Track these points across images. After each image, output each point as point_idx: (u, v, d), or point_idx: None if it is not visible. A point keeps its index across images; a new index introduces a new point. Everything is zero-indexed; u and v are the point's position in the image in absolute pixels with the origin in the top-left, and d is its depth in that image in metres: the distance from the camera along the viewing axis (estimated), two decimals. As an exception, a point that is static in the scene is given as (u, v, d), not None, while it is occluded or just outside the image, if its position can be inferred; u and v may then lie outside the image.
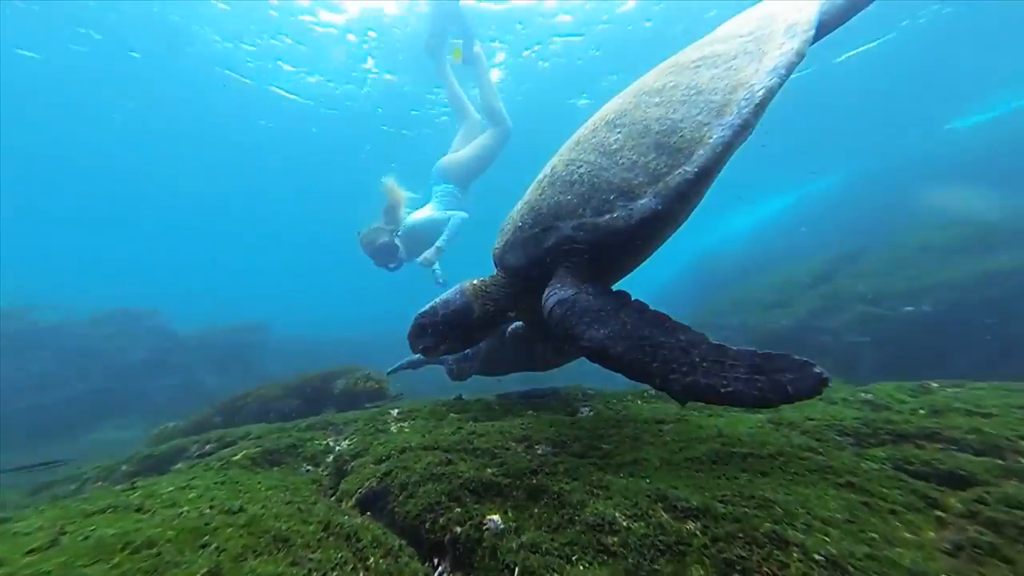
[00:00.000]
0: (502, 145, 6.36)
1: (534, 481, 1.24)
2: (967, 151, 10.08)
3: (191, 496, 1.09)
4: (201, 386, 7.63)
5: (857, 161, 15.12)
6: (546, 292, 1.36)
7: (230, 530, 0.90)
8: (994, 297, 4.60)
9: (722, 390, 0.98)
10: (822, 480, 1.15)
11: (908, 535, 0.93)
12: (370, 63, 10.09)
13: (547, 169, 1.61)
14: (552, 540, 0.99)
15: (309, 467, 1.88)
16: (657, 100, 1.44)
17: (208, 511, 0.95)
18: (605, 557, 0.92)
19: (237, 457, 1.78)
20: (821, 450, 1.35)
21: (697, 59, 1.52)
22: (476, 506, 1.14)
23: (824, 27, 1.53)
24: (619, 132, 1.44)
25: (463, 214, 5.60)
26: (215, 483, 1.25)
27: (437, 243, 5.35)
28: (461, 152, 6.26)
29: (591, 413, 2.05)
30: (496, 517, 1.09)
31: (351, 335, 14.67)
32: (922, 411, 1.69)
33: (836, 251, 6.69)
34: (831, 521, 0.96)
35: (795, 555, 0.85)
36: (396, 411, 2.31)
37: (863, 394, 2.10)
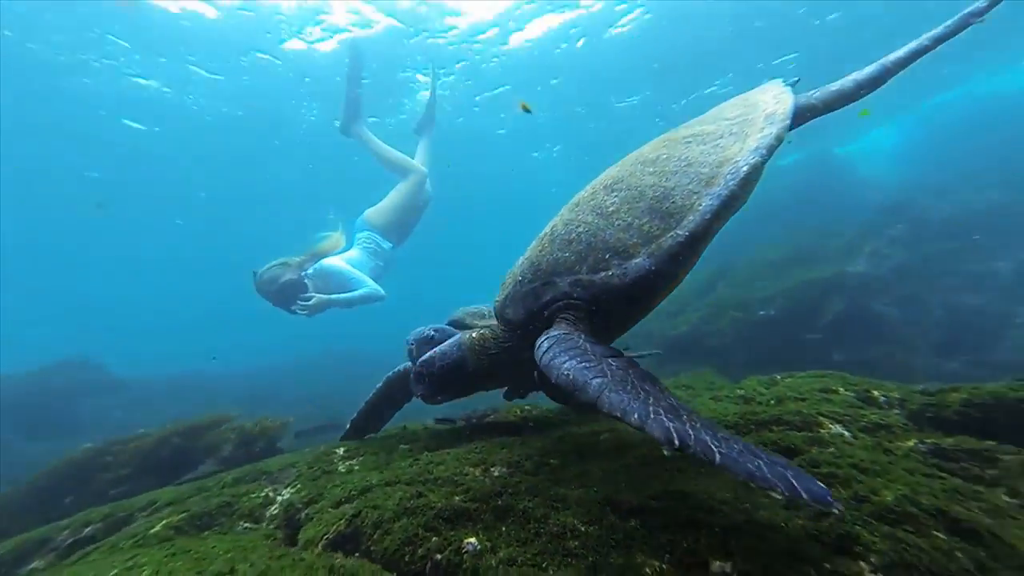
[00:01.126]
0: (421, 188, 6.40)
1: (499, 502, 1.40)
2: (785, 187, 12.85)
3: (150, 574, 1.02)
4: (11, 455, 5.96)
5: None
6: (540, 337, 1.39)
7: None
8: (810, 299, 6.09)
9: (715, 448, 0.90)
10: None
11: (763, 499, 1.31)
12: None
13: (548, 228, 1.71)
14: (524, 552, 1.17)
15: (247, 524, 1.76)
16: (652, 169, 1.57)
17: None
18: (570, 559, 1.12)
19: (156, 529, 1.58)
20: (714, 445, 1.75)
21: (688, 136, 1.68)
22: (452, 533, 1.27)
23: (812, 111, 1.75)
24: (616, 196, 1.54)
25: (381, 295, 5.37)
26: (165, 556, 1.16)
27: (331, 298, 5.08)
28: (383, 202, 6.25)
29: (534, 428, 2.28)
30: (473, 540, 1.23)
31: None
32: (772, 401, 2.23)
33: (716, 265, 8.04)
34: (725, 501, 1.30)
35: (703, 532, 1.15)
36: (342, 449, 2.27)
37: (739, 390, 2.66)
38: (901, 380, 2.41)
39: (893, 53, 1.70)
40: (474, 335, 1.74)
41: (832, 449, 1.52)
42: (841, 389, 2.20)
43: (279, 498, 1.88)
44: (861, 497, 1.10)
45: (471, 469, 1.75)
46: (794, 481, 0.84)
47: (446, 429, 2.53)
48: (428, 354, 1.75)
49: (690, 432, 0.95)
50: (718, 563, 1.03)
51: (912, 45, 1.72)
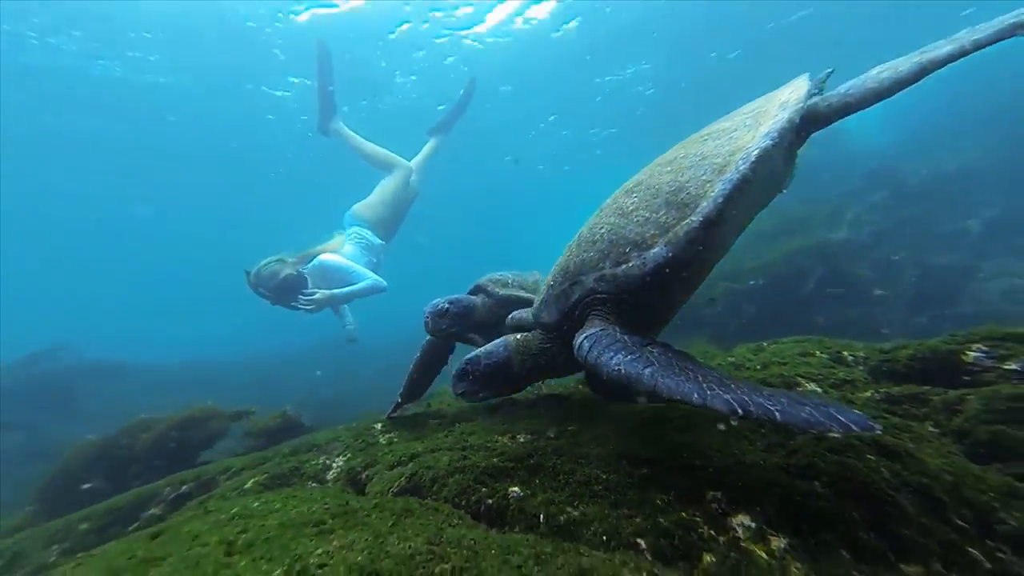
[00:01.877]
0: (407, 182, 6.44)
1: (531, 462, 1.68)
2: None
3: (283, 507, 1.28)
4: (48, 439, 6.28)
5: None
6: (576, 336, 1.47)
7: (377, 514, 1.15)
8: (796, 267, 6.44)
9: (772, 407, 0.96)
10: (710, 425, 1.83)
11: (748, 447, 1.61)
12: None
13: (576, 235, 1.81)
14: (558, 496, 1.46)
15: (315, 484, 2.06)
16: (668, 168, 1.63)
17: (323, 510, 1.18)
18: (596, 499, 1.42)
19: (248, 485, 1.89)
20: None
21: (704, 135, 1.74)
22: (497, 484, 1.55)
23: (846, 108, 1.62)
24: (635, 196, 1.62)
25: (383, 286, 5.44)
26: (282, 497, 1.42)
27: (336, 292, 5.17)
28: (372, 196, 6.25)
29: (548, 400, 2.58)
30: (516, 489, 1.52)
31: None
32: (759, 366, 2.54)
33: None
34: (716, 449, 1.61)
35: (699, 472, 1.45)
36: (379, 425, 2.55)
37: (730, 358, 2.97)
38: (876, 338, 2.73)
39: (931, 52, 1.55)
40: (519, 337, 1.81)
41: (804, 402, 1.83)
42: (818, 352, 2.52)
43: (334, 464, 2.18)
44: (820, 437, 1.40)
45: (499, 437, 2.04)
46: (840, 416, 0.91)
47: (469, 404, 2.82)
48: (474, 353, 1.82)
49: (746, 399, 1.01)
50: (711, 493, 1.34)
51: (952, 48, 1.54)
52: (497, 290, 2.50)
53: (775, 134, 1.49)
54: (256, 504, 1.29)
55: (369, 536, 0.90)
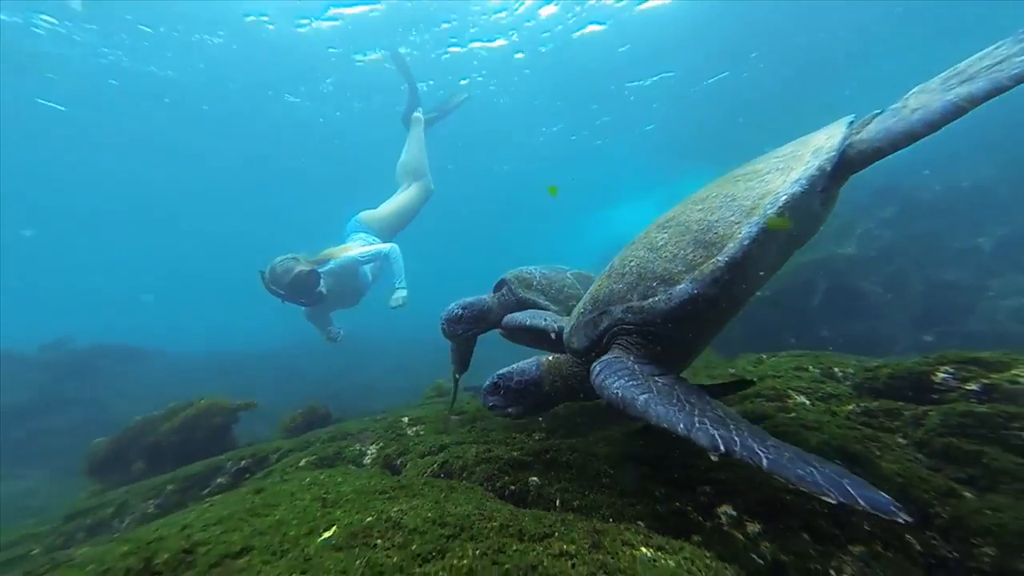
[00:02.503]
0: (425, 201, 6.78)
1: (547, 456, 1.94)
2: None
3: (345, 481, 1.57)
4: (109, 416, 6.84)
5: (727, 162, 18.65)
6: (595, 362, 1.54)
7: (428, 488, 1.42)
8: (803, 279, 6.58)
9: (762, 453, 0.97)
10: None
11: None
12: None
13: (608, 267, 1.90)
14: (571, 485, 1.72)
15: (353, 467, 2.35)
16: (699, 207, 1.68)
17: (382, 483, 1.46)
18: (604, 488, 1.67)
19: (302, 463, 2.19)
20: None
21: (738, 175, 1.78)
22: (519, 474, 1.81)
23: (879, 154, 1.55)
24: (665, 232, 1.68)
25: (395, 250, 5.62)
26: (335, 472, 1.71)
27: (397, 283, 5.40)
28: (385, 206, 6.48)
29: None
30: (535, 478, 1.78)
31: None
32: (756, 378, 2.78)
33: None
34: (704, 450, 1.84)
35: (693, 467, 1.69)
36: (406, 419, 2.84)
37: (730, 369, 3.20)
38: (882, 353, 2.91)
39: (965, 88, 1.44)
40: (551, 358, 1.88)
41: (793, 414, 2.05)
42: (811, 367, 2.73)
43: (368, 451, 2.46)
44: (797, 443, 1.63)
45: (517, 434, 2.30)
46: (849, 488, 0.87)
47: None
48: (506, 369, 1.87)
49: (735, 439, 1.02)
50: (701, 487, 1.57)
51: (987, 85, 1.43)
52: (518, 290, 2.51)
53: (804, 181, 1.51)
54: (323, 477, 1.57)
55: (429, 502, 1.17)
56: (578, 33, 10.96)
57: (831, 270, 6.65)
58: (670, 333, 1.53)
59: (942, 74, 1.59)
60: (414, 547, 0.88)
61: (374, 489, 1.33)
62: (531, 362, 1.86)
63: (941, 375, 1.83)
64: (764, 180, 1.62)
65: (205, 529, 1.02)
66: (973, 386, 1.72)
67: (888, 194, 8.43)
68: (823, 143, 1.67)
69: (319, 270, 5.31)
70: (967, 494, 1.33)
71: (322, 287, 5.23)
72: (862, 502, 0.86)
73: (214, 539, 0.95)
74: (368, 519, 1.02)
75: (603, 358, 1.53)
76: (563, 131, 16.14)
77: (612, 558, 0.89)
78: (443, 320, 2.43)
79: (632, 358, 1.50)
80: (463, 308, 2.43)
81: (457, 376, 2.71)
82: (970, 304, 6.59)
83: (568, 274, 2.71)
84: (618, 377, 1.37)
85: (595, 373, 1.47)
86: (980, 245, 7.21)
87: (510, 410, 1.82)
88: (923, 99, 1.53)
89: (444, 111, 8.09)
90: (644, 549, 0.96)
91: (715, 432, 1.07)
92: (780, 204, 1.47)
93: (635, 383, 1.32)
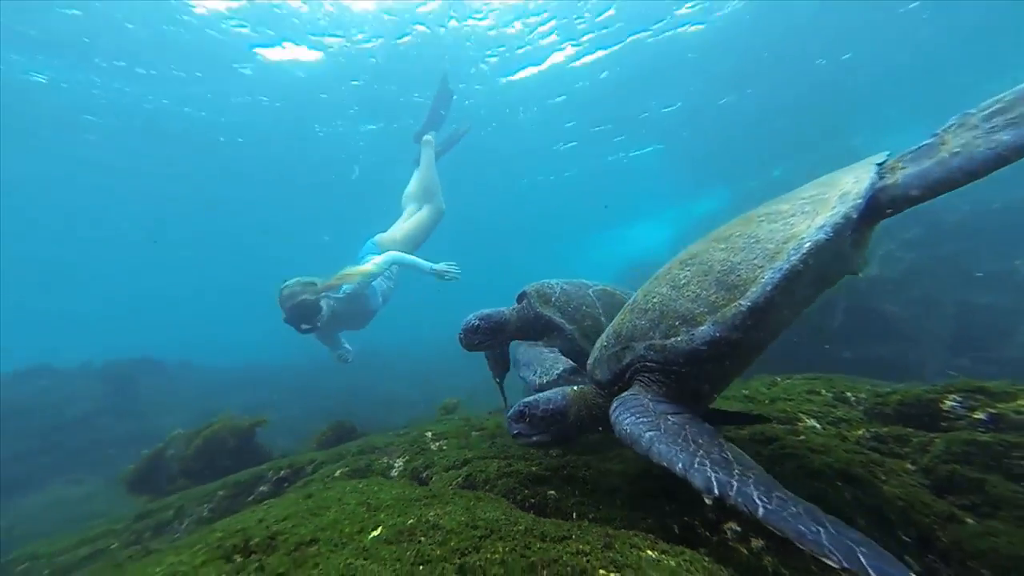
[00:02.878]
0: (438, 222, 7.00)
1: (564, 472, 2.06)
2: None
3: (381, 490, 1.73)
4: (153, 427, 7.25)
5: (739, 182, 18.64)
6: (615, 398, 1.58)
7: (458, 498, 1.60)
8: (823, 300, 6.49)
9: (759, 503, 0.94)
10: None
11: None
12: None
13: (631, 300, 1.92)
14: (587, 499, 1.83)
15: (382, 478, 2.51)
16: (723, 246, 1.67)
17: (415, 492, 1.62)
18: (618, 502, 1.78)
19: (337, 474, 2.37)
20: (716, 433, 2.37)
21: (763, 215, 1.75)
22: (538, 488, 1.94)
23: (911, 201, 1.54)
24: (688, 270, 1.68)
25: (395, 252, 5.79)
26: (370, 484, 1.88)
27: (427, 271, 5.57)
28: (398, 227, 6.69)
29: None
30: (553, 492, 1.90)
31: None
32: (768, 400, 2.82)
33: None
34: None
35: (704, 488, 1.79)
36: (430, 434, 3.00)
37: (744, 391, 3.24)
38: (910, 377, 2.91)
39: (1010, 135, 1.33)
40: (576, 389, 1.91)
41: (802, 437, 2.12)
42: (823, 391, 2.78)
43: (395, 464, 2.62)
44: (801, 465, 1.72)
45: (536, 451, 2.43)
46: (862, 557, 0.81)
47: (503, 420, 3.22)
48: (532, 397, 1.86)
49: (733, 483, 1.01)
50: (708, 500, 1.67)
51: None
52: (536, 304, 2.50)
53: (829, 228, 1.47)
54: (361, 485, 1.74)
55: (460, 508, 1.32)
56: (590, 58, 11.44)
57: (851, 291, 6.57)
58: (691, 372, 1.54)
59: (985, 105, 1.45)
60: (452, 544, 1.03)
61: (409, 497, 1.49)
62: (557, 392, 1.88)
63: (949, 403, 1.89)
64: (789, 223, 1.59)
65: (277, 523, 1.21)
66: (980, 415, 1.77)
67: (911, 215, 8.25)
68: (851, 188, 1.61)
69: (334, 295, 5.35)
70: (968, 520, 1.40)
71: (322, 316, 5.23)
72: (873, 573, 0.80)
73: (287, 531, 1.13)
74: (410, 521, 1.18)
75: (622, 395, 1.57)
76: (577, 148, 16.53)
77: (621, 556, 1.02)
78: (461, 331, 2.47)
79: (650, 395, 1.52)
80: (480, 319, 2.44)
81: (498, 380, 2.76)
82: (1009, 328, 6.37)
83: (590, 291, 2.67)
84: (630, 414, 1.41)
85: (612, 408, 1.53)
86: (1017, 268, 6.99)
87: (535, 439, 1.82)
88: (964, 138, 1.42)
89: (449, 145, 8.37)
90: (650, 551, 1.09)
91: (712, 475, 1.08)
92: (804, 251, 1.43)
93: (645, 420, 1.36)
